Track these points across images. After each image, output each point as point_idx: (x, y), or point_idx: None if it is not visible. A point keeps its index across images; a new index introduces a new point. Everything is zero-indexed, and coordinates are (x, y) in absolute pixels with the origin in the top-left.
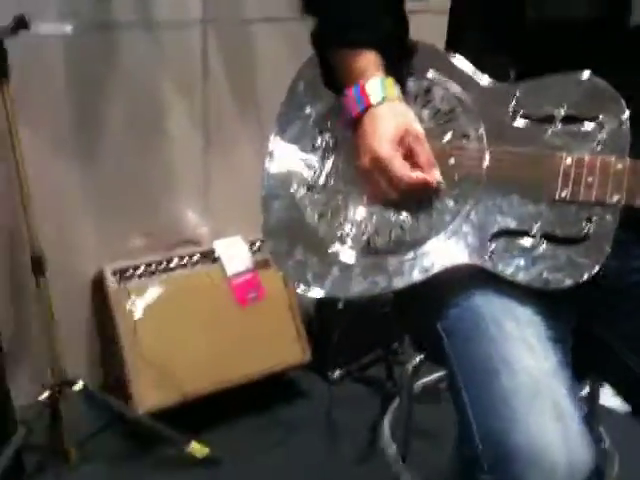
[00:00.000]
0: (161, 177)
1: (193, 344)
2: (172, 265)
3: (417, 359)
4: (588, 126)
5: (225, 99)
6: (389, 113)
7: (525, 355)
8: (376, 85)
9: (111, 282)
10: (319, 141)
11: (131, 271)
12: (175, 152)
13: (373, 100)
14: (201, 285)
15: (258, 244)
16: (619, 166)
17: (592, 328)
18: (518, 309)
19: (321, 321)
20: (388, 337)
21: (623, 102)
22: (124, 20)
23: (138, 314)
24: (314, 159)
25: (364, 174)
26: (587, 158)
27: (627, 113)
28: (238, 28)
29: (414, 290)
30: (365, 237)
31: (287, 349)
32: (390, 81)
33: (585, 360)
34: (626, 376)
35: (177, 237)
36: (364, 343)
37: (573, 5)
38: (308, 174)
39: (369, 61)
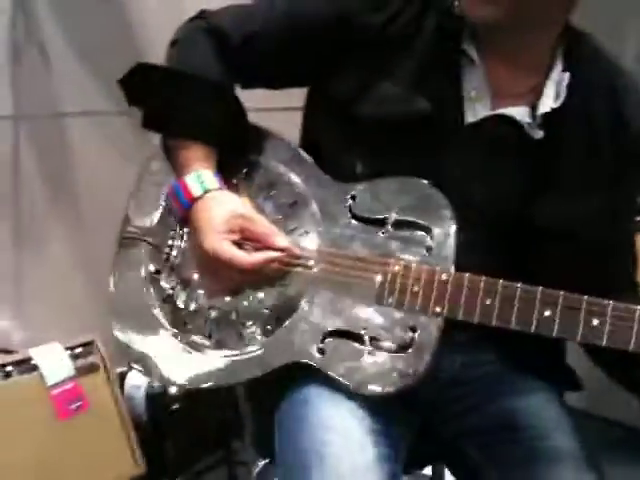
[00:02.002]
0: None
1: (11, 466)
2: None
3: (261, 463)
4: (418, 233)
5: (38, 194)
6: (211, 204)
7: (340, 449)
8: (193, 179)
9: None
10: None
11: None
12: None
13: (194, 194)
14: (17, 398)
15: (79, 350)
16: (443, 277)
17: (435, 422)
18: (347, 403)
19: (154, 427)
20: (228, 437)
21: (452, 215)
22: None
23: None
24: (166, 240)
25: (201, 267)
26: (414, 267)
27: (454, 227)
28: (53, 122)
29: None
30: (207, 328)
31: (119, 462)
32: (208, 173)
33: (428, 451)
34: (466, 464)
35: None
36: (203, 445)
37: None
38: (158, 256)
39: (192, 154)
